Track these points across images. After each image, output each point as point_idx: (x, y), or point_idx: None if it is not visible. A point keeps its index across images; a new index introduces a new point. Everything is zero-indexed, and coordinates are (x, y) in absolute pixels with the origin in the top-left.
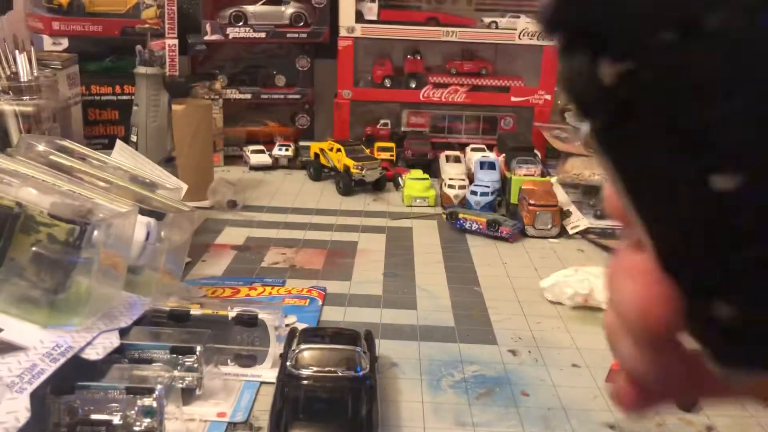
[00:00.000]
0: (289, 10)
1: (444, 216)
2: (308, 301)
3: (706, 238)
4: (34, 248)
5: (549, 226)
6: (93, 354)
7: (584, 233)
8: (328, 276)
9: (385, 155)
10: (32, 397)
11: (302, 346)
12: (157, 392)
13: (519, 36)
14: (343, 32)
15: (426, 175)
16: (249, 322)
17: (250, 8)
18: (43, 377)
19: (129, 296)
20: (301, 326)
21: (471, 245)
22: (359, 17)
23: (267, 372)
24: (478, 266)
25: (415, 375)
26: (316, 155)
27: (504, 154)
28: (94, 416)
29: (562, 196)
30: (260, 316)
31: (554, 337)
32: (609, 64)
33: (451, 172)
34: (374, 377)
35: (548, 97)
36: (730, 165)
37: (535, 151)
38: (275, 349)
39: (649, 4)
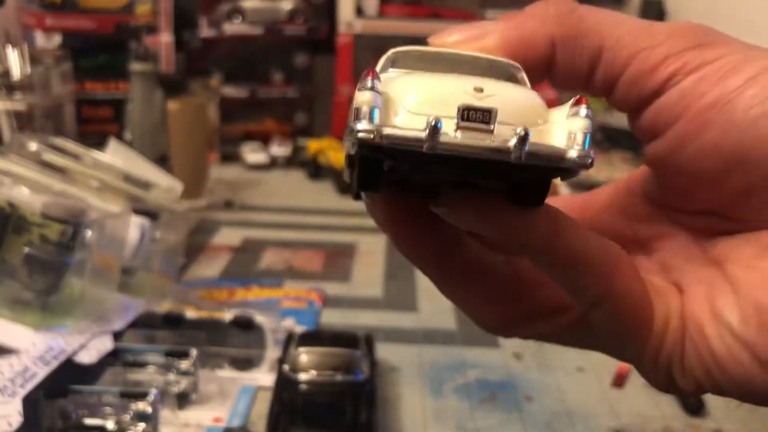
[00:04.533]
0: (287, 5)
1: None
2: (306, 303)
3: None
4: (26, 249)
5: None
6: (86, 357)
7: None
8: (327, 278)
9: None
10: (25, 401)
11: (300, 350)
12: (151, 396)
13: None
14: (342, 28)
15: None
16: (245, 324)
17: (247, 3)
18: (36, 381)
19: (123, 298)
20: (299, 329)
21: None
22: (359, 12)
23: (264, 376)
24: None
25: (416, 379)
26: (315, 154)
27: None
28: (87, 420)
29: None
30: (257, 318)
31: None
32: None
33: None
34: (374, 381)
35: (551, 94)
36: None
37: None
38: (272, 352)
39: None
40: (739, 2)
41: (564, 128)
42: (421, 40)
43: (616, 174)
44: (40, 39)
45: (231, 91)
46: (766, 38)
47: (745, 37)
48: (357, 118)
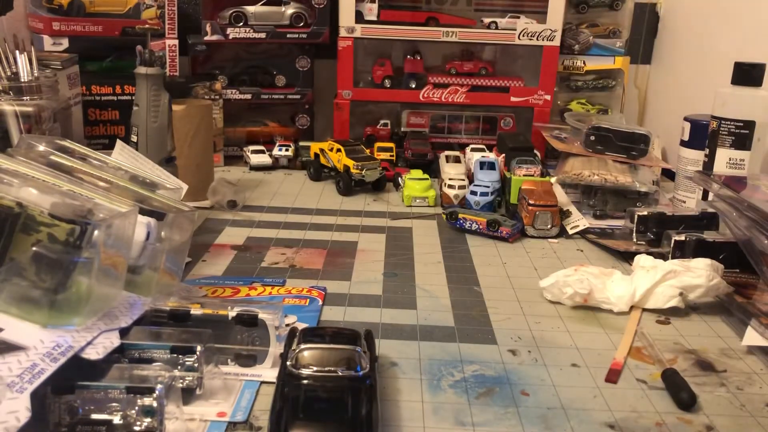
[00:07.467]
0: (289, 10)
1: (444, 216)
2: (308, 300)
3: None
4: (34, 248)
5: (548, 226)
6: (93, 354)
7: (584, 233)
8: (328, 276)
9: (385, 155)
10: (33, 396)
11: (302, 346)
12: (157, 392)
13: (519, 36)
14: (343, 32)
15: (426, 175)
16: (249, 321)
17: (250, 8)
18: (44, 377)
19: (129, 296)
20: (301, 326)
21: (471, 245)
22: (359, 17)
23: (267, 372)
24: (478, 266)
25: (415, 375)
26: (316, 155)
27: (504, 154)
28: (94, 416)
29: (561, 196)
30: (260, 315)
31: (554, 336)
32: None
33: (451, 172)
34: (374, 377)
35: (548, 97)
36: None
37: (535, 151)
38: (275, 348)
39: None
40: (731, 7)
41: None
42: (420, 44)
43: (609, 176)
44: (48, 43)
45: (235, 94)
46: (755, 45)
47: (736, 40)
48: None
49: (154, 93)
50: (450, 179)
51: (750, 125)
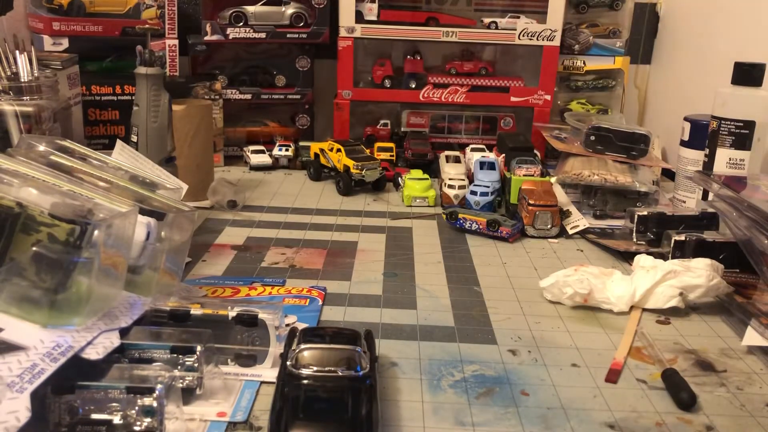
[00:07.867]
0: (289, 10)
1: (444, 216)
2: (308, 300)
3: None
4: (34, 248)
5: (548, 226)
6: (93, 354)
7: (584, 233)
8: (328, 276)
9: (385, 155)
10: (33, 396)
11: (302, 346)
12: (157, 392)
13: (519, 36)
14: (343, 32)
15: (426, 175)
16: (249, 321)
17: (250, 8)
18: (44, 377)
19: (129, 296)
20: (301, 326)
21: (471, 245)
22: (359, 17)
23: (267, 372)
24: (478, 266)
25: (415, 375)
26: (316, 155)
27: (504, 154)
28: (94, 416)
29: (561, 196)
30: (260, 315)
31: (554, 336)
32: None
33: (451, 172)
34: (374, 377)
35: (548, 97)
36: None
37: (535, 151)
38: (275, 348)
39: None
40: (731, 7)
41: None
42: (420, 44)
43: (609, 176)
44: (48, 43)
45: (235, 94)
46: (755, 45)
47: (736, 40)
48: None
49: (154, 93)
50: (450, 179)
51: (750, 125)
